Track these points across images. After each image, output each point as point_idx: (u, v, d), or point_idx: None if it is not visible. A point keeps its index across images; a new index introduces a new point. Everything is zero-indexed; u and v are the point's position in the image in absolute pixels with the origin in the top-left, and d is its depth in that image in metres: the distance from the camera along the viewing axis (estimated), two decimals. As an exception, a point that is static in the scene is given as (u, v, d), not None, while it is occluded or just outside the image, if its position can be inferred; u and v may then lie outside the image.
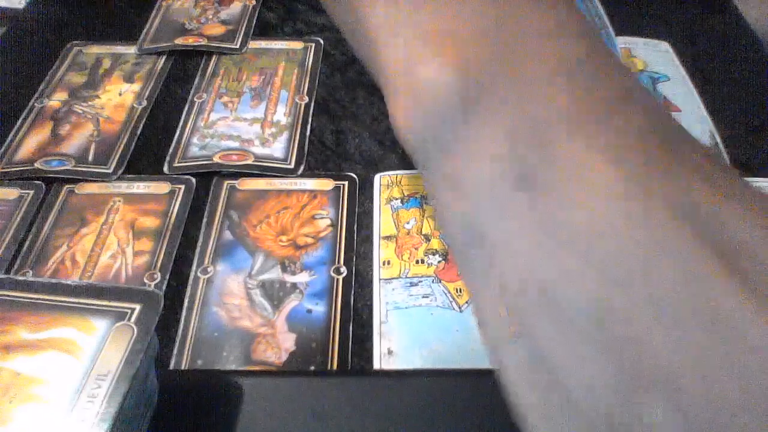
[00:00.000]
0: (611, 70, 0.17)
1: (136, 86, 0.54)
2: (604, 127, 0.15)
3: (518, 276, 0.15)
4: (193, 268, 0.41)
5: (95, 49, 0.58)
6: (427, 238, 0.42)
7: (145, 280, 0.40)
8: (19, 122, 0.51)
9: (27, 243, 0.42)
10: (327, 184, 0.46)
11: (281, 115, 0.52)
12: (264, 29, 0.61)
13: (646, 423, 0.13)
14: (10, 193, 0.45)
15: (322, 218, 0.44)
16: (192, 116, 0.52)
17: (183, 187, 0.46)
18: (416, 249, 0.42)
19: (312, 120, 0.51)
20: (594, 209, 0.14)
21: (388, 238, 0.43)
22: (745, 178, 0.15)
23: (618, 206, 0.14)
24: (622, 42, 0.58)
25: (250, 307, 0.39)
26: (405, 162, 0.48)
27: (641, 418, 0.13)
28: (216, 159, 0.48)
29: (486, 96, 0.16)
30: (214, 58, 0.57)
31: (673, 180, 0.14)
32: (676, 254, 0.13)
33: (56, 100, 0.53)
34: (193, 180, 0.46)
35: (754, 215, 0.14)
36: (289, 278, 0.40)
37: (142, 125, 0.51)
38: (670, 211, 0.14)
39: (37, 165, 0.47)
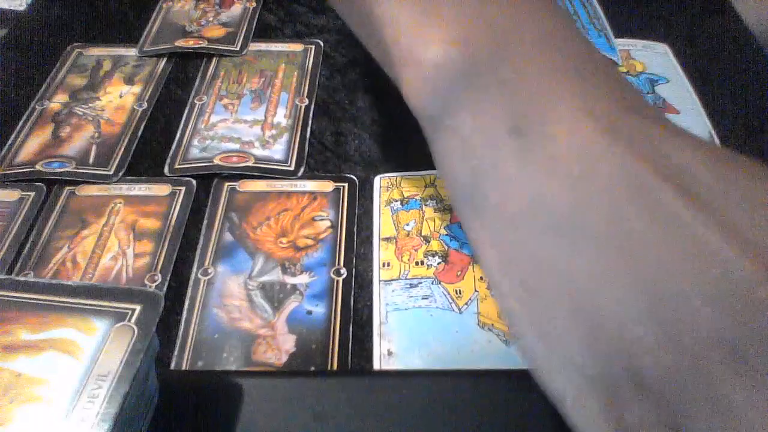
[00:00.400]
0: (584, 46, 0.21)
1: (136, 88, 0.55)
2: (577, 85, 0.19)
3: (511, 204, 0.19)
4: (194, 269, 0.41)
5: (96, 51, 0.58)
6: (427, 240, 0.42)
7: (146, 282, 0.40)
8: (20, 124, 0.51)
9: (28, 244, 0.43)
10: (327, 185, 0.46)
11: (281, 117, 0.52)
12: (264, 31, 0.61)
13: (624, 312, 0.16)
14: (11, 194, 0.46)
15: (322, 220, 0.44)
16: (192, 118, 0.52)
17: (183, 189, 0.46)
18: (416, 251, 0.42)
19: (312, 122, 0.51)
20: (572, 145, 0.18)
21: (387, 239, 0.43)
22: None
23: (589, 142, 0.18)
24: (621, 44, 0.58)
25: (251, 309, 0.39)
26: (405, 164, 0.48)
27: (619, 306, 0.16)
28: (216, 161, 0.48)
29: (485, 66, 0.20)
30: (214, 60, 0.58)
31: (635, 127, 0.18)
32: (626, 172, 0.17)
33: (57, 102, 0.53)
34: (194, 182, 0.47)
35: (685, 143, 0.18)
36: (289, 280, 0.40)
37: (142, 127, 0.51)
38: (626, 144, 0.18)
39: (38, 167, 0.47)
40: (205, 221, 0.44)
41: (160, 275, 0.41)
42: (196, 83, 0.55)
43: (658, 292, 0.16)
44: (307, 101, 0.53)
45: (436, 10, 0.21)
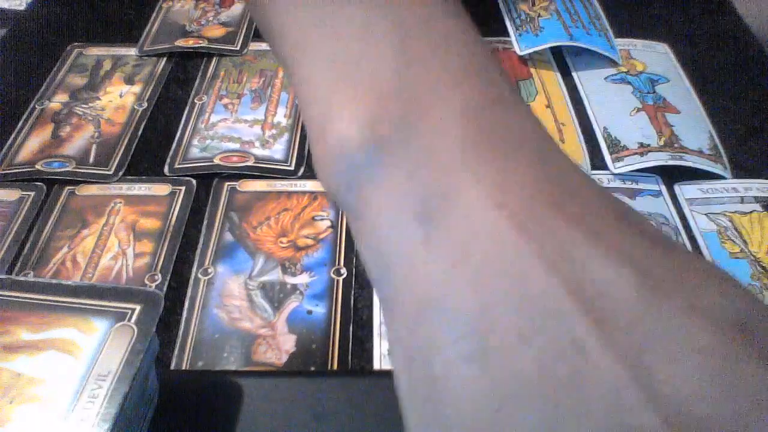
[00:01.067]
0: (511, 111, 0.18)
1: (136, 88, 0.55)
2: (496, 170, 0.17)
3: (415, 297, 0.17)
4: (194, 269, 0.41)
5: (96, 51, 0.59)
6: (427, 240, 0.42)
7: (146, 282, 0.40)
8: (20, 124, 0.51)
9: (28, 244, 0.43)
10: (327, 185, 0.46)
11: (282, 116, 0.52)
12: (264, 31, 0.61)
13: None
14: (11, 194, 0.46)
15: (322, 219, 0.44)
16: (192, 118, 0.52)
17: (183, 188, 0.46)
18: (416, 250, 0.42)
19: (312, 121, 0.51)
20: (480, 246, 0.16)
21: (388, 239, 0.43)
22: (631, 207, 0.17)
23: (498, 244, 0.16)
24: (621, 44, 0.58)
25: (251, 309, 0.39)
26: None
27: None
28: (216, 161, 0.48)
29: (392, 146, 0.18)
30: (214, 60, 0.58)
31: (549, 224, 0.16)
32: (533, 287, 0.15)
33: (57, 101, 0.53)
34: (194, 181, 0.47)
35: (613, 256, 0.16)
36: (290, 279, 0.40)
37: (142, 127, 0.51)
38: (542, 250, 0.16)
39: (38, 166, 0.47)
40: (205, 221, 0.44)
41: (160, 275, 0.41)
42: (196, 83, 0.55)
43: None
44: (307, 101, 0.53)
45: (352, 77, 0.18)
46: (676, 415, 0.13)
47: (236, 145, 0.49)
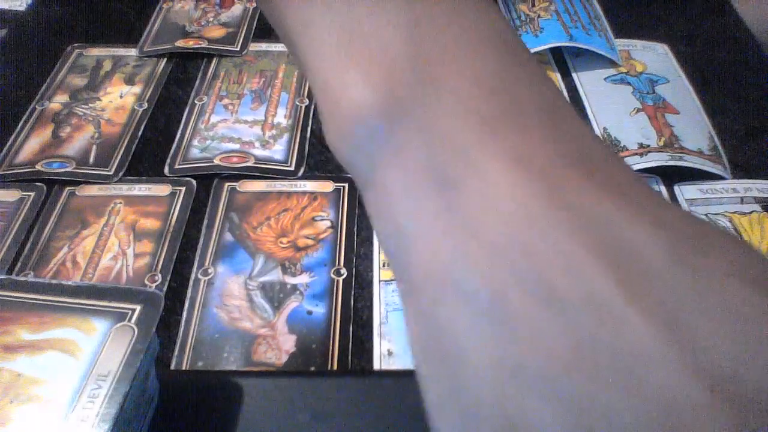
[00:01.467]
0: (527, 80, 0.18)
1: (136, 88, 0.55)
2: (513, 135, 0.16)
3: (429, 265, 0.17)
4: (194, 269, 0.41)
5: (96, 52, 0.59)
6: (427, 240, 0.42)
7: (146, 282, 0.40)
8: (20, 124, 0.51)
9: (28, 244, 0.43)
10: (327, 185, 0.46)
11: (282, 117, 0.52)
12: (264, 32, 0.61)
13: (529, 418, 0.14)
14: (12, 194, 0.46)
15: (322, 220, 0.44)
16: (192, 118, 0.52)
17: (184, 189, 0.46)
18: (416, 250, 0.42)
19: (312, 122, 0.51)
20: (498, 208, 0.16)
21: (387, 239, 0.43)
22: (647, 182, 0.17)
23: (518, 206, 0.16)
24: (621, 44, 0.58)
25: (251, 309, 0.39)
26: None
27: (524, 407, 0.14)
28: (216, 161, 0.48)
29: (407, 110, 0.17)
30: (214, 60, 0.58)
31: (570, 184, 0.16)
32: (558, 246, 0.15)
33: (57, 102, 0.53)
34: (194, 182, 0.47)
35: (639, 217, 0.15)
36: (290, 280, 0.40)
37: (142, 127, 0.51)
38: (562, 211, 0.15)
39: (38, 167, 0.47)
40: (206, 221, 0.44)
41: (160, 275, 0.41)
42: (197, 83, 0.55)
43: (582, 407, 0.13)
44: (307, 101, 0.53)
45: (362, 43, 0.18)
46: (722, 383, 0.12)
47: (236, 146, 0.49)
